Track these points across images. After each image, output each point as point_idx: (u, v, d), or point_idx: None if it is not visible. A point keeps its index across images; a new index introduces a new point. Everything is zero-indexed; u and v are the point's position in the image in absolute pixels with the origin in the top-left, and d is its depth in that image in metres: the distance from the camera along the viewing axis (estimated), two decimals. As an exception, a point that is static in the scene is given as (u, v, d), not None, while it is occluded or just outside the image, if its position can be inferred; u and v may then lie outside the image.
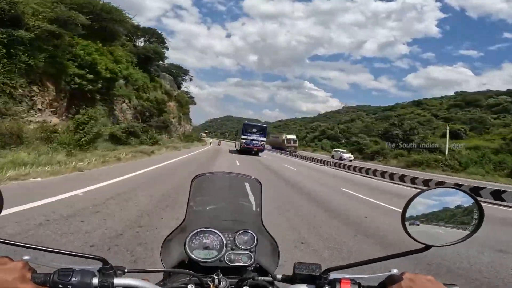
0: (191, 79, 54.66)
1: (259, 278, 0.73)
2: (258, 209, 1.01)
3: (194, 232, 0.85)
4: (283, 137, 50.62)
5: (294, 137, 51.87)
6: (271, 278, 0.74)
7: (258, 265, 0.88)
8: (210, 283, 0.70)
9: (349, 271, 0.68)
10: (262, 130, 26.49)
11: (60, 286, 0.56)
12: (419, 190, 0.65)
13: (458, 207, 0.65)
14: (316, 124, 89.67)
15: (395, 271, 0.64)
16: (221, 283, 0.70)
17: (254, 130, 25.84)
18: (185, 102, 45.18)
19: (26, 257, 0.58)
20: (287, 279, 0.73)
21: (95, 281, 0.59)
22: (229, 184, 1.11)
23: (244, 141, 24.82)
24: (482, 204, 0.63)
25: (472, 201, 0.63)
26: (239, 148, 26.66)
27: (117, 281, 0.60)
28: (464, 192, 0.64)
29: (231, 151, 27.77)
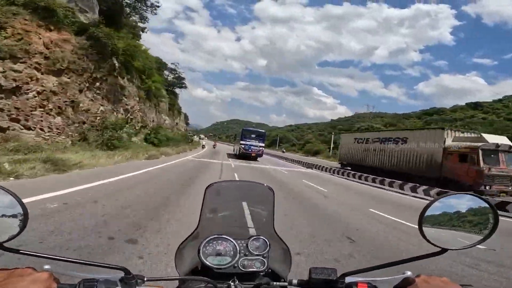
0: (154, 12, 30.15)
1: (274, 283, 0.77)
2: (270, 215, 1.06)
3: (208, 239, 0.89)
4: (485, 146, 13.00)
5: None
6: (286, 283, 0.77)
7: (271, 270, 0.90)
8: None
9: (364, 275, 0.71)
10: (261, 136, 27.40)
11: None
12: (437, 197, 0.70)
13: (474, 212, 0.69)
14: (367, 125, 68.55)
15: (409, 273, 0.66)
16: None
17: (253, 136, 26.82)
18: (132, 50, 18.81)
19: (47, 267, 0.61)
20: (303, 284, 0.75)
21: None
22: (241, 192, 1.18)
23: (243, 146, 26.11)
24: None
25: (488, 207, 0.68)
26: (238, 153, 27.60)
27: None
28: (481, 198, 0.68)
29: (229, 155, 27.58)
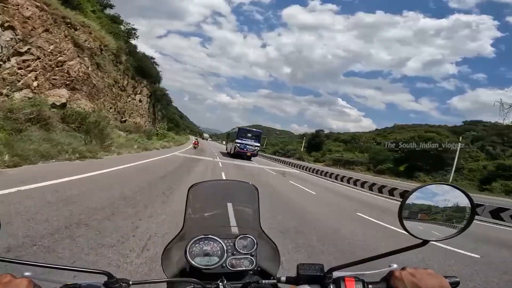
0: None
1: (263, 281, 0.77)
2: (256, 214, 1.06)
3: (194, 239, 0.87)
4: None
5: None
6: (275, 281, 0.78)
7: (259, 269, 0.90)
8: None
9: (351, 269, 0.72)
10: (257, 136, 27.16)
11: None
12: (415, 187, 0.70)
13: (452, 203, 0.69)
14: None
15: (395, 266, 0.68)
16: None
17: (249, 135, 26.34)
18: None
19: (27, 273, 0.60)
20: (291, 281, 0.76)
21: None
22: (225, 191, 1.18)
23: (238, 145, 25.41)
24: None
25: (465, 197, 0.68)
26: (232, 152, 26.68)
27: None
28: (458, 188, 0.69)
29: None
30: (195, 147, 28.27)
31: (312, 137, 69.76)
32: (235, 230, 1.00)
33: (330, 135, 75.75)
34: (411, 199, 0.68)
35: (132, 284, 0.67)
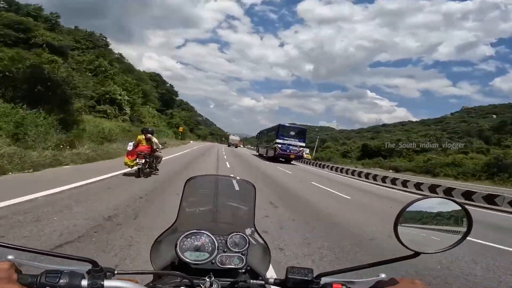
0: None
1: (251, 281, 0.76)
2: (251, 212, 1.05)
3: (186, 233, 0.86)
4: None
5: None
6: (263, 282, 0.76)
7: (249, 268, 0.88)
8: (201, 285, 0.71)
9: (339, 276, 0.72)
10: (302, 133, 22.99)
11: None
12: (413, 199, 0.70)
13: (449, 216, 0.70)
14: None
15: (383, 276, 0.67)
16: (213, 286, 0.72)
17: (292, 133, 22.23)
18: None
19: (10, 257, 0.58)
20: (279, 283, 0.76)
21: (84, 283, 0.59)
22: (223, 187, 1.12)
23: (279, 145, 21.53)
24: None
25: (463, 211, 0.68)
26: (272, 155, 22.57)
27: (107, 283, 0.60)
28: (456, 202, 0.70)
29: None
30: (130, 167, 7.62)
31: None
32: (228, 227, 0.97)
33: None
34: (409, 211, 0.68)
35: (117, 273, 0.65)
